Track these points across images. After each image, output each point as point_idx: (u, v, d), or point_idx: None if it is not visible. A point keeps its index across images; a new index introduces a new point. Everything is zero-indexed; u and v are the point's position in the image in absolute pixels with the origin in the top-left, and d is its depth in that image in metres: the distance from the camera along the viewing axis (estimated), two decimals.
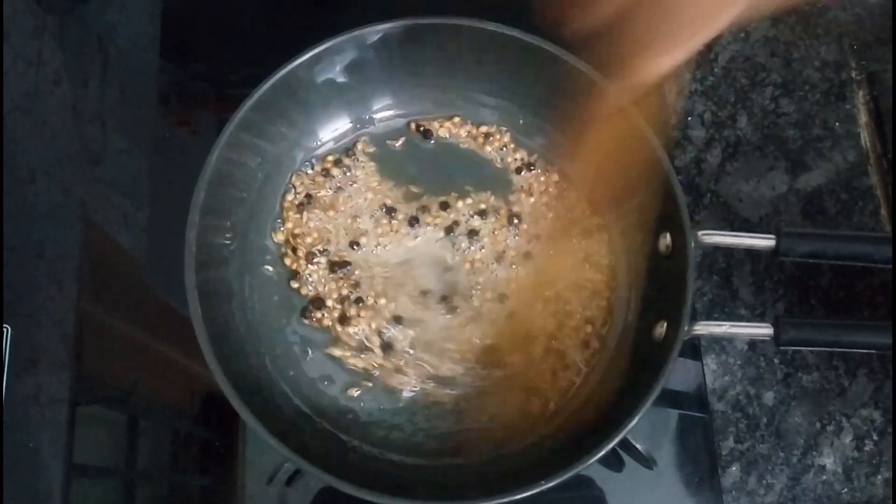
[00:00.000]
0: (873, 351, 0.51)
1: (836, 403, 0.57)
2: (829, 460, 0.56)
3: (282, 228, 0.57)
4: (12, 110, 0.64)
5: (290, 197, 0.58)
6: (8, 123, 0.63)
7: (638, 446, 0.49)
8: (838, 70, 0.66)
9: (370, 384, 0.54)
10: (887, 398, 0.57)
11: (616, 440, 0.43)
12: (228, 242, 0.55)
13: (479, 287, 0.56)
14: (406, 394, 0.54)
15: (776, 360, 0.58)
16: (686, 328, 0.46)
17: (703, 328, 0.47)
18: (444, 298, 0.56)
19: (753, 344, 0.58)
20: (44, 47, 0.66)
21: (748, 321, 0.58)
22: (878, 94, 0.65)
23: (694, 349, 0.56)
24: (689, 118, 0.64)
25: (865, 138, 0.64)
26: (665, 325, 0.49)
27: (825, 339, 0.45)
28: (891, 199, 0.62)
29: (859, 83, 0.66)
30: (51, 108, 0.64)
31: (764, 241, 0.47)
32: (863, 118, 0.65)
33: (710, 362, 0.58)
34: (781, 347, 0.47)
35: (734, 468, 0.55)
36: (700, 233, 0.48)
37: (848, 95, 0.66)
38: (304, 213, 0.57)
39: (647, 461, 0.50)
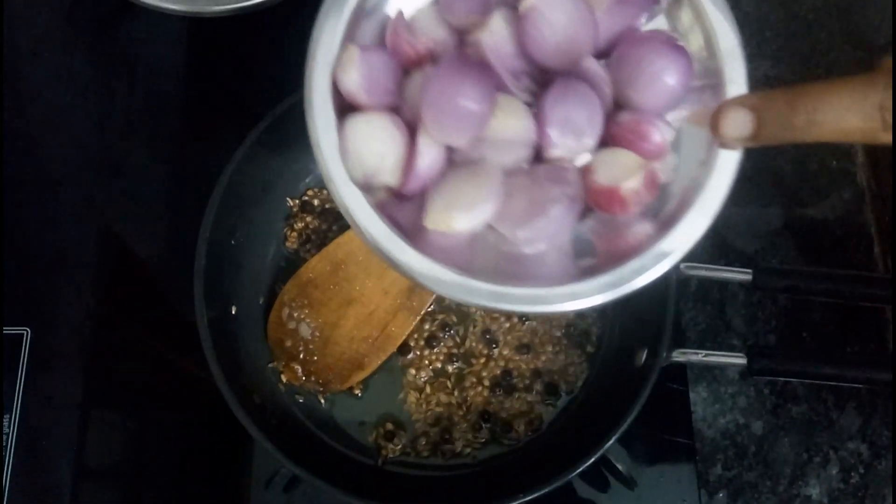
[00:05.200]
0: (853, 384, 0.53)
1: (824, 435, 0.59)
2: (815, 491, 0.57)
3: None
4: (41, 122, 0.67)
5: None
6: (36, 135, 0.66)
7: (619, 467, 0.51)
8: None
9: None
10: (875, 432, 0.58)
11: (592, 458, 0.45)
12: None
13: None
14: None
15: (766, 391, 0.59)
16: (664, 355, 0.48)
17: (681, 356, 0.49)
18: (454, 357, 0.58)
19: (744, 374, 0.59)
20: (74, 63, 0.69)
21: (739, 351, 0.59)
22: None
23: (681, 376, 0.58)
24: None
25: (861, 177, 0.66)
26: (645, 351, 0.51)
27: (794, 370, 0.47)
28: (885, 237, 0.63)
29: None
30: (78, 121, 0.67)
31: (741, 276, 0.49)
32: (860, 157, 0.66)
33: (702, 390, 0.59)
34: (754, 377, 0.49)
35: (721, 495, 0.57)
36: (682, 265, 0.50)
37: None
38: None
39: (628, 482, 0.52)
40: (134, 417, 0.59)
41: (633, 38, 0.29)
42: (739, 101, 0.30)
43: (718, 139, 0.30)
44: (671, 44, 0.29)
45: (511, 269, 0.30)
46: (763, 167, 0.66)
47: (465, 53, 0.29)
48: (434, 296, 0.57)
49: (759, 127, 0.29)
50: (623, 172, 0.29)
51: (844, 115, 0.28)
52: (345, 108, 0.29)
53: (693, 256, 0.61)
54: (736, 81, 0.30)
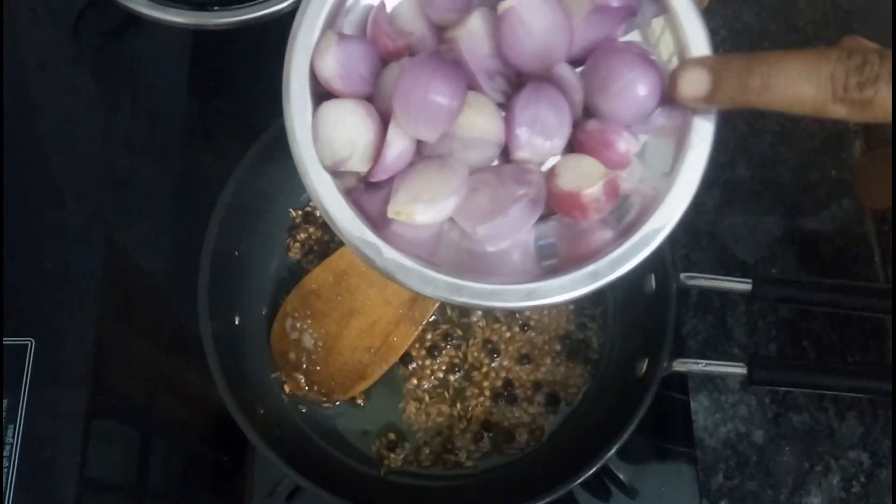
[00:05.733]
0: (852, 394, 0.53)
1: (826, 444, 0.59)
2: (816, 500, 0.57)
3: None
4: (46, 135, 0.67)
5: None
6: (40, 147, 0.67)
7: (620, 476, 0.51)
8: (836, 120, 0.68)
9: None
10: (875, 441, 0.58)
11: (594, 468, 0.46)
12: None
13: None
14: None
15: (767, 400, 0.59)
16: (665, 365, 0.49)
17: (681, 365, 0.49)
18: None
19: (745, 383, 0.60)
20: (78, 77, 0.70)
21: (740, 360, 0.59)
22: (875, 144, 0.67)
23: (682, 385, 0.58)
24: None
25: None
26: (647, 361, 0.51)
27: (795, 380, 0.47)
28: (885, 248, 0.64)
29: (856, 133, 0.68)
30: (82, 133, 0.67)
31: (741, 286, 0.50)
32: None
33: (703, 399, 0.59)
34: (753, 386, 0.49)
35: None
36: (682, 275, 0.51)
37: (845, 144, 0.68)
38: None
39: (629, 491, 0.52)
40: (137, 428, 0.59)
41: (607, 48, 0.30)
42: (698, 61, 0.31)
43: (677, 98, 0.30)
44: (643, 57, 0.29)
45: (474, 265, 0.30)
46: (763, 177, 0.66)
47: (440, 50, 0.30)
48: (436, 306, 0.57)
49: (715, 87, 0.30)
50: (586, 179, 0.29)
51: (797, 81, 0.29)
52: (322, 95, 0.30)
53: (693, 266, 0.62)
54: None
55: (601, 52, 0.30)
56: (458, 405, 0.57)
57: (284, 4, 0.66)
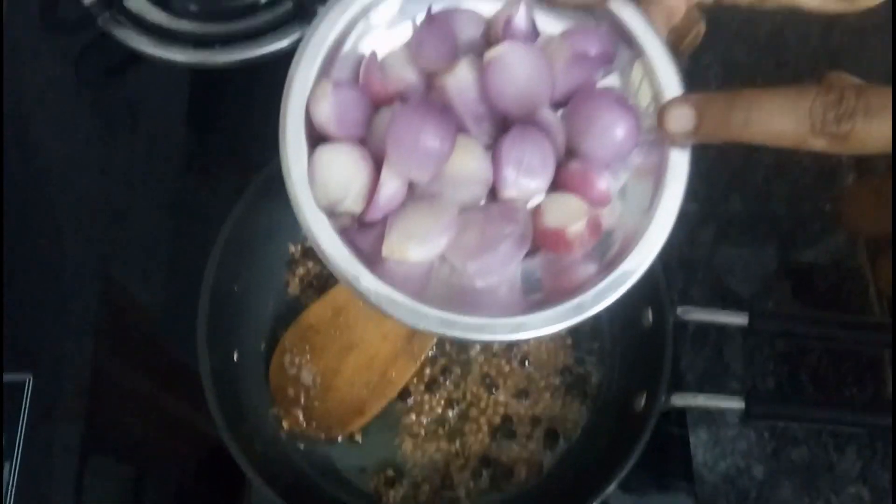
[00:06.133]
0: (851, 428, 0.53)
1: (825, 479, 0.58)
2: None
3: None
4: (45, 169, 0.68)
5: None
6: (39, 181, 0.67)
7: None
8: (829, 154, 0.69)
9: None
10: (875, 475, 0.58)
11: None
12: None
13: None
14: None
15: (766, 434, 0.59)
16: (663, 399, 0.49)
17: (680, 399, 0.49)
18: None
19: (744, 418, 0.60)
20: (78, 112, 0.70)
21: (739, 394, 0.59)
22: (865, 175, 0.67)
23: (680, 420, 0.58)
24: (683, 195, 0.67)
25: None
26: (645, 396, 0.51)
27: (792, 414, 0.47)
28: (878, 280, 0.64)
29: (849, 167, 0.69)
30: (81, 169, 0.68)
31: (737, 319, 0.50)
32: None
33: (702, 434, 0.59)
34: (751, 420, 0.50)
35: None
36: (679, 309, 0.51)
37: (839, 178, 0.68)
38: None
39: None
40: (132, 464, 0.58)
41: (586, 93, 0.32)
42: (683, 99, 0.33)
43: (664, 134, 0.32)
44: (620, 102, 0.32)
45: (464, 300, 0.32)
46: (758, 210, 0.67)
47: (430, 96, 0.32)
48: (434, 340, 0.57)
49: (700, 123, 0.32)
50: (570, 216, 0.31)
51: (777, 117, 0.31)
52: (316, 139, 0.32)
53: (690, 299, 0.62)
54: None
55: (581, 97, 0.32)
56: (457, 441, 0.57)
57: (282, 45, 0.67)
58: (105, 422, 0.59)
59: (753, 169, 0.68)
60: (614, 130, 0.31)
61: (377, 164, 0.31)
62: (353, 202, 0.31)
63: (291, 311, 0.60)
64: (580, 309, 0.31)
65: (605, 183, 0.32)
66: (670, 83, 0.33)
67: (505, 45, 0.30)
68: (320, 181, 0.31)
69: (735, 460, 0.59)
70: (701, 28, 0.46)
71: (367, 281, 0.30)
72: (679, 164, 0.32)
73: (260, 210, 0.57)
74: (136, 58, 0.68)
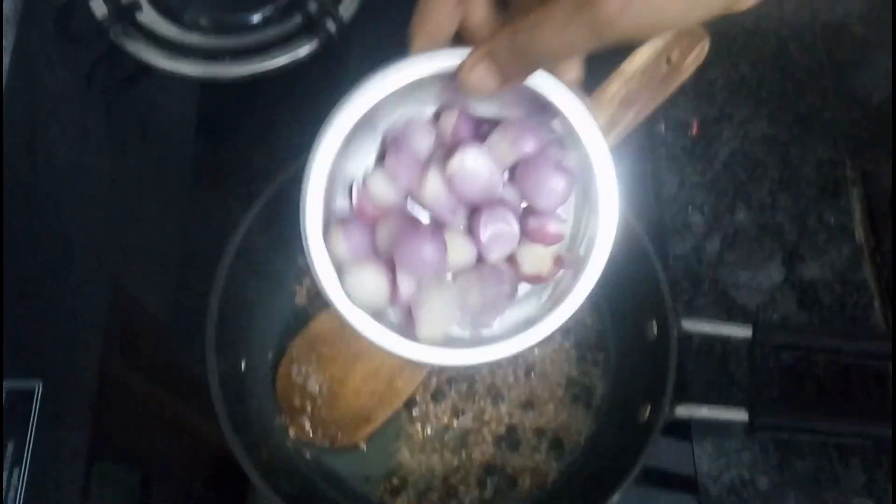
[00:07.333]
0: (855, 440, 0.53)
1: (831, 491, 0.58)
2: None
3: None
4: (56, 178, 0.69)
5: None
6: (50, 190, 0.68)
7: None
8: (833, 168, 0.69)
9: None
10: (880, 487, 0.58)
11: None
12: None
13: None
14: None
15: (771, 446, 0.59)
16: (667, 410, 0.49)
17: (685, 410, 0.49)
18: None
19: (748, 429, 0.60)
20: (89, 123, 0.71)
21: (743, 405, 0.60)
22: (872, 193, 0.68)
23: (685, 430, 0.58)
24: (689, 208, 0.68)
25: (860, 233, 0.67)
26: (649, 407, 0.51)
27: (796, 426, 0.47)
28: (884, 292, 0.64)
29: (854, 181, 0.69)
30: (91, 178, 0.68)
31: (742, 331, 0.50)
32: (857, 214, 0.68)
33: (707, 445, 0.59)
34: (755, 432, 0.50)
35: None
36: (683, 321, 0.51)
37: (843, 192, 0.69)
38: None
39: None
40: (139, 470, 0.59)
41: (530, 164, 0.39)
42: (473, 58, 0.33)
43: (474, 93, 0.34)
44: (556, 165, 0.39)
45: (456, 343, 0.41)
46: (763, 223, 0.67)
47: (417, 221, 0.40)
48: None
49: (501, 69, 0.32)
50: (540, 261, 0.41)
51: (560, 25, 0.29)
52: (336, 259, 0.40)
53: (695, 311, 0.63)
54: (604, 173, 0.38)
55: (526, 165, 0.39)
56: (462, 451, 0.57)
57: (291, 59, 0.68)
58: (113, 428, 0.59)
59: (759, 182, 0.69)
60: (557, 189, 0.39)
61: (388, 264, 0.39)
62: (383, 301, 0.40)
63: (299, 321, 0.60)
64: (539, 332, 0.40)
65: (555, 226, 0.40)
66: (587, 126, 0.37)
67: (457, 157, 0.38)
68: (356, 298, 0.39)
69: (739, 472, 0.59)
70: (706, 44, 0.47)
71: (406, 347, 0.40)
72: (609, 199, 0.38)
73: (269, 221, 0.58)
74: (147, 70, 0.69)
